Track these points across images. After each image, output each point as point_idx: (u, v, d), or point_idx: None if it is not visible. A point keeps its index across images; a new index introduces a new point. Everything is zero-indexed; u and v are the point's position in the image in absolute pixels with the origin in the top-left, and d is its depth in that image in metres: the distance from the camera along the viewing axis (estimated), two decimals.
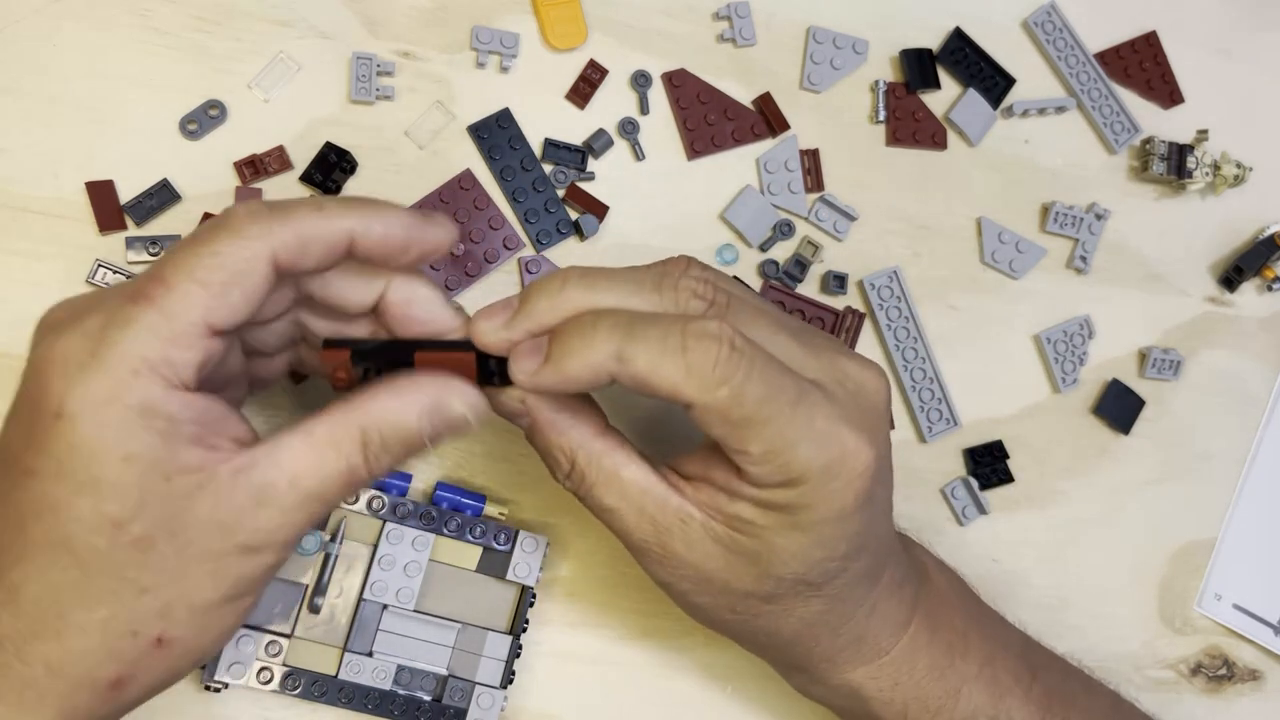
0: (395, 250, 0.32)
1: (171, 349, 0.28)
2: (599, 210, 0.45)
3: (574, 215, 0.45)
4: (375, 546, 0.39)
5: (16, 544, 0.28)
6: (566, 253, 0.46)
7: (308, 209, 0.30)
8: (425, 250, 0.32)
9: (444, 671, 0.40)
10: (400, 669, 0.39)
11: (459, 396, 0.32)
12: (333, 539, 0.39)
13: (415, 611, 0.40)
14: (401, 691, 0.39)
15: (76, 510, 0.28)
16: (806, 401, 0.31)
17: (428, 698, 0.40)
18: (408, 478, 0.41)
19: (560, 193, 0.45)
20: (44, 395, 0.28)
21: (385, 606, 0.40)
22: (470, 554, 0.41)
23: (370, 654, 0.39)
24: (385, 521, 0.40)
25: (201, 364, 0.29)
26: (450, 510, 0.41)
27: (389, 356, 0.32)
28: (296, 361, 0.37)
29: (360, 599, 0.39)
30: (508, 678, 0.41)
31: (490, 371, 0.32)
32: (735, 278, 0.36)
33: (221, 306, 0.29)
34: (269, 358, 0.36)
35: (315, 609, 0.39)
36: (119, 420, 0.28)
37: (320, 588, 0.39)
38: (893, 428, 0.39)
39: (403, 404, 0.31)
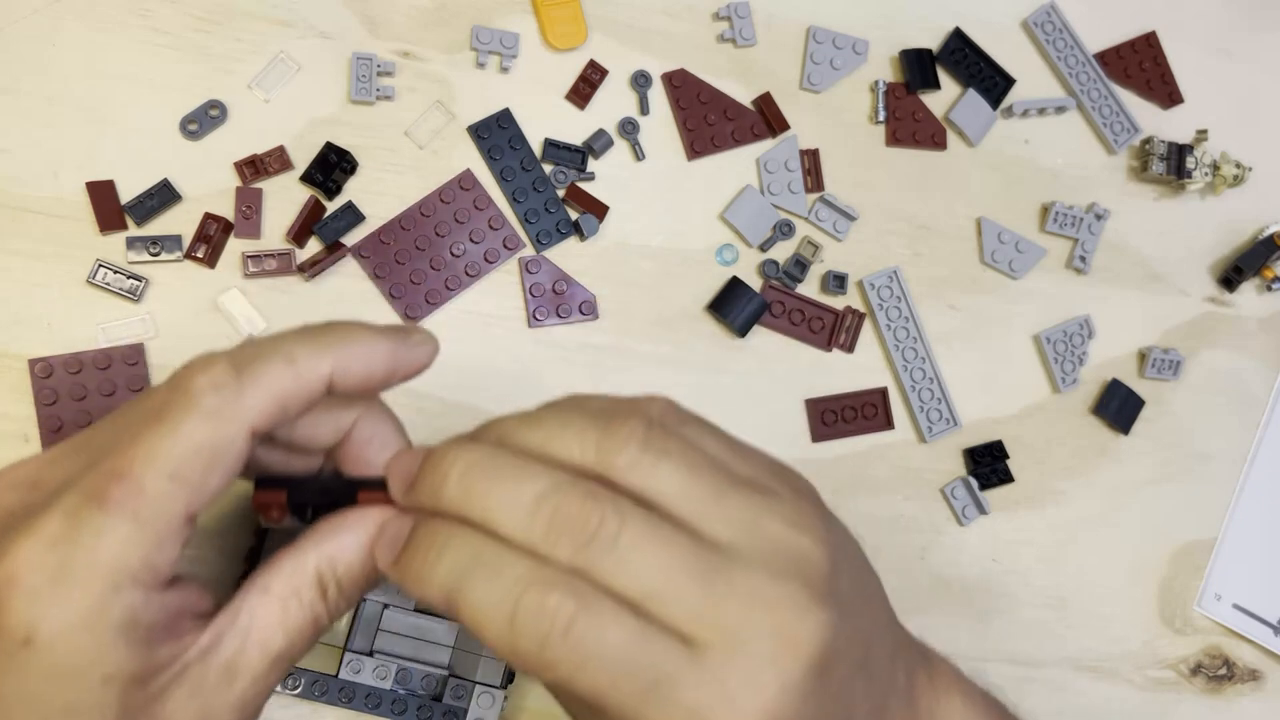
0: (378, 382, 0.30)
1: (154, 553, 0.26)
2: (599, 210, 0.45)
3: (574, 215, 0.45)
4: None
5: None
6: (567, 253, 0.46)
7: (279, 363, 0.27)
8: (409, 373, 0.30)
9: (444, 671, 0.40)
10: (401, 668, 0.39)
11: (409, 526, 0.29)
12: None
13: (416, 611, 0.40)
14: (402, 691, 0.39)
15: None
16: (659, 690, 0.25)
17: (428, 697, 0.40)
18: None
19: (560, 193, 0.45)
20: (6, 618, 0.25)
21: (386, 606, 0.40)
22: None
23: (371, 653, 0.39)
24: None
25: (178, 558, 0.27)
26: None
27: (330, 498, 0.30)
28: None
29: (361, 598, 0.39)
30: (508, 677, 0.41)
31: None
32: (690, 419, 0.30)
33: (200, 497, 0.27)
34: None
35: None
36: (98, 643, 0.25)
37: None
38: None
39: (354, 542, 0.29)
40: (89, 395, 0.40)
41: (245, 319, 0.42)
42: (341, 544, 0.29)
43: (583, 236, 0.45)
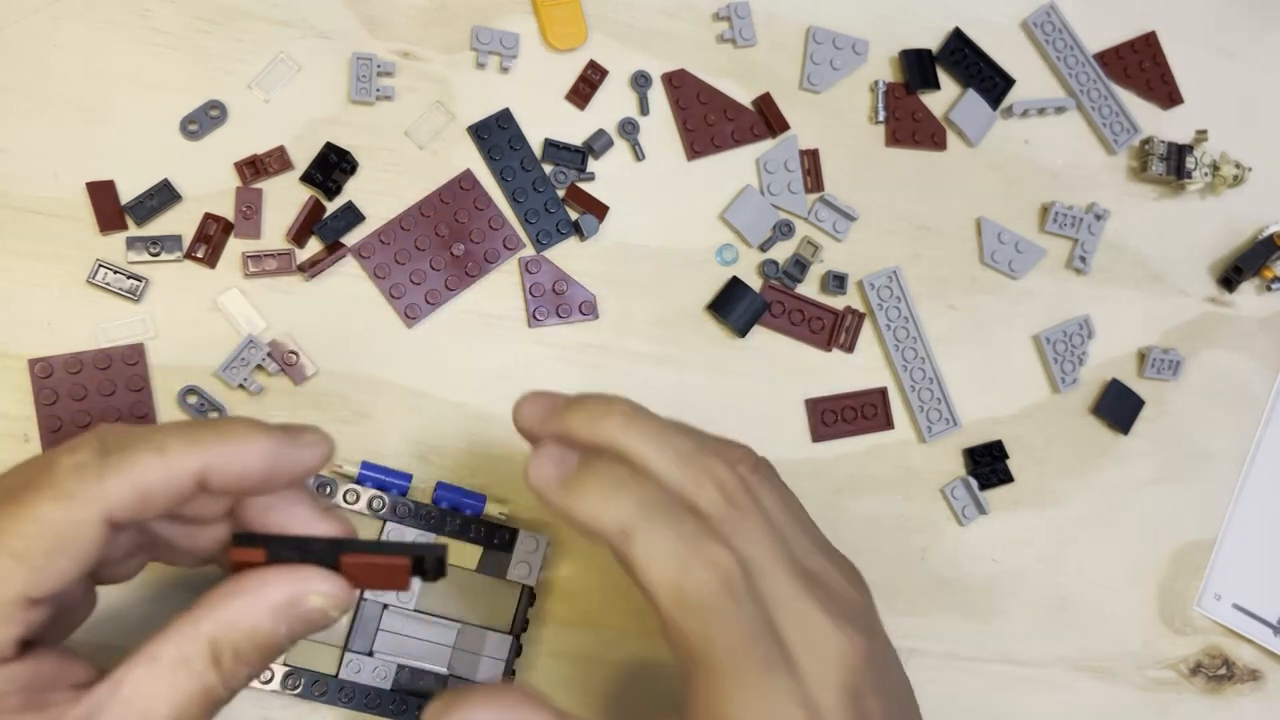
0: (257, 483, 0.28)
1: None
2: (599, 210, 0.45)
3: (574, 215, 0.45)
4: None
5: None
6: (567, 254, 0.46)
7: (147, 453, 0.27)
8: (294, 476, 0.29)
9: (445, 671, 0.40)
10: (400, 668, 0.39)
11: (316, 587, 0.28)
12: None
13: (415, 611, 0.40)
14: (402, 691, 0.39)
15: None
16: (770, 672, 0.29)
17: (428, 697, 0.40)
18: (407, 478, 0.41)
19: (560, 193, 0.46)
20: None
21: (385, 606, 0.40)
22: (471, 554, 0.41)
23: (370, 653, 0.39)
24: (385, 521, 0.40)
25: (22, 636, 0.26)
26: (450, 510, 0.41)
27: (311, 558, 0.29)
28: (161, 558, 0.33)
29: (360, 599, 0.39)
30: (508, 677, 0.41)
31: (424, 570, 0.29)
32: (780, 488, 0.34)
33: (44, 579, 0.26)
34: (116, 565, 0.31)
35: None
36: None
37: None
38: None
39: (253, 605, 0.28)
40: (89, 395, 0.40)
41: (245, 319, 0.42)
42: (243, 608, 0.28)
43: (583, 236, 0.45)
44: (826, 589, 0.32)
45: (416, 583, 0.39)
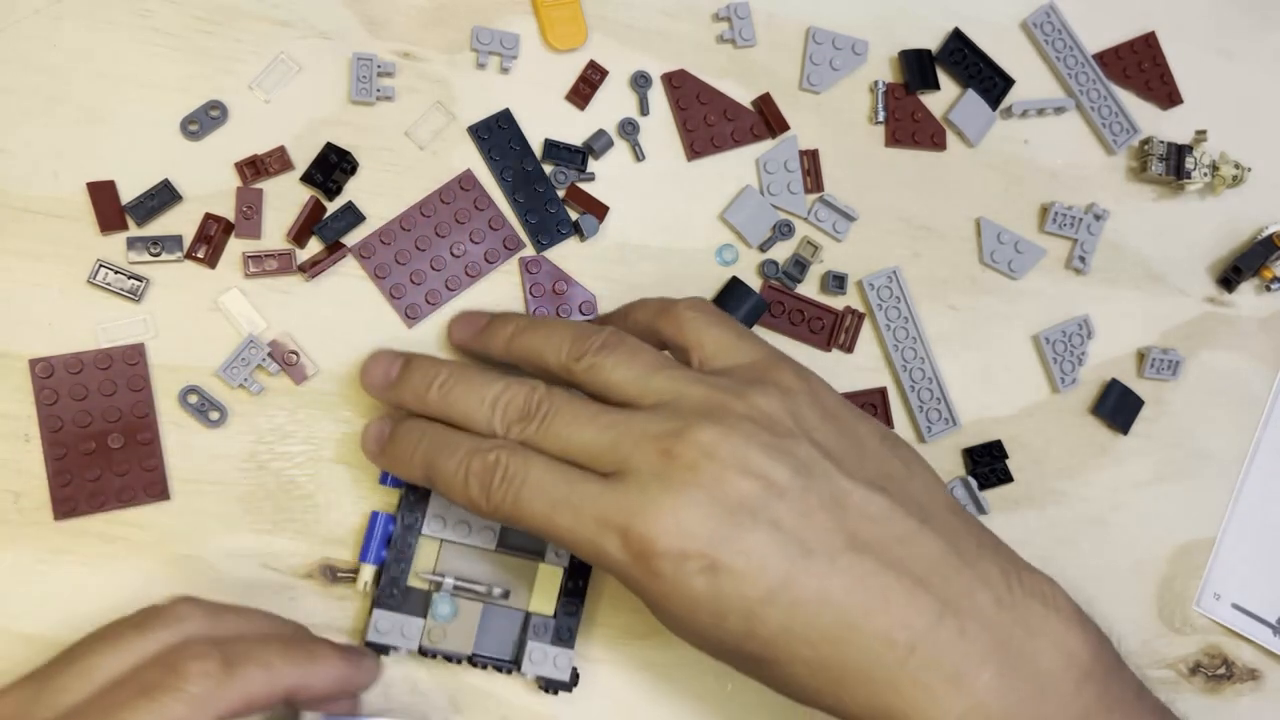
0: (324, 698, 0.36)
1: None
2: (599, 210, 0.45)
3: (574, 215, 0.45)
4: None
5: None
6: (567, 254, 0.46)
7: (259, 672, 0.32)
8: (352, 693, 0.38)
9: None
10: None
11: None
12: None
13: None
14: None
15: None
16: (571, 505, 0.33)
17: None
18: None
19: (560, 193, 0.46)
20: None
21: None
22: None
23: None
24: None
25: None
26: None
27: None
28: None
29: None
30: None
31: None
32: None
33: None
34: None
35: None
36: None
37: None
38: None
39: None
40: (90, 395, 0.40)
41: (245, 319, 0.42)
42: None
43: (583, 237, 0.45)
44: (676, 396, 0.35)
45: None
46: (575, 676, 0.42)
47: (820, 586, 0.32)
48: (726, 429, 0.33)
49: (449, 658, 0.40)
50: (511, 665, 0.41)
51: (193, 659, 0.31)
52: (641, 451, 0.33)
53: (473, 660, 0.41)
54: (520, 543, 0.42)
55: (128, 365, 0.40)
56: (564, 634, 0.41)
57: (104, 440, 0.40)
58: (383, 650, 0.40)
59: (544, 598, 0.42)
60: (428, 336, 0.44)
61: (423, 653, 0.40)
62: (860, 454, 0.35)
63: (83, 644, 0.34)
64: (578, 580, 0.42)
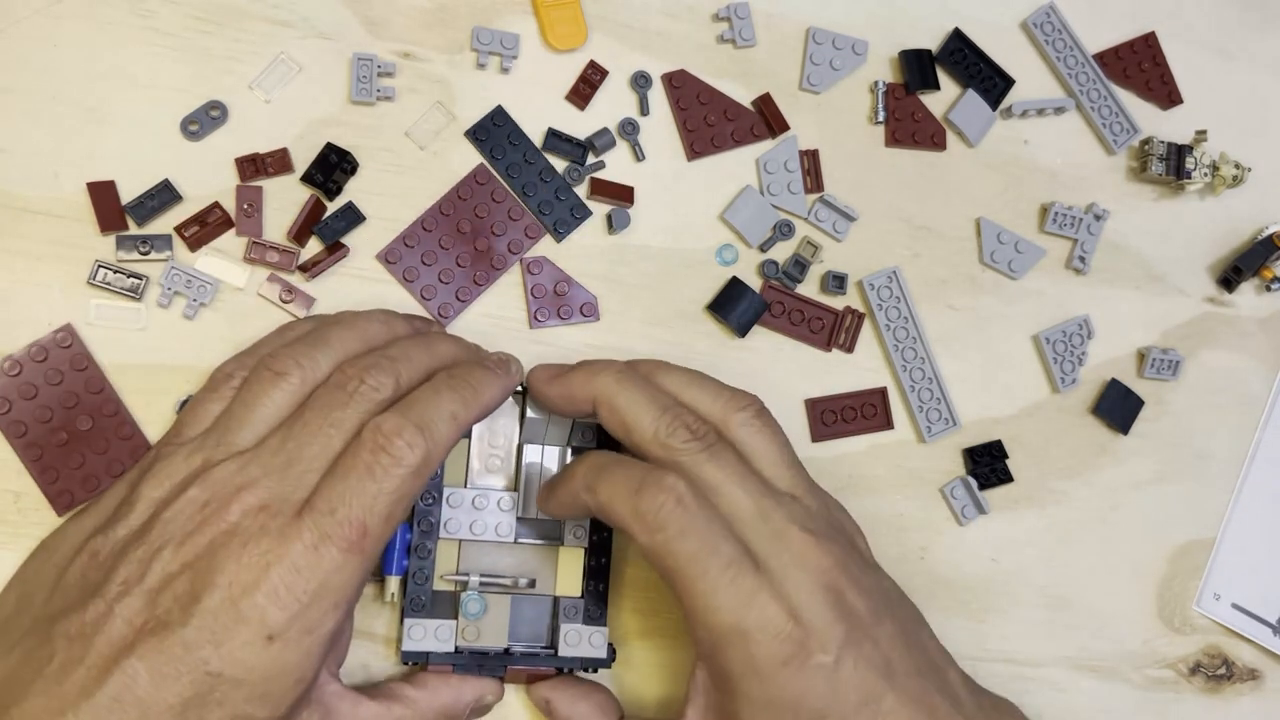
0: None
1: (362, 580, 0.34)
2: (626, 195, 0.46)
3: (605, 209, 0.46)
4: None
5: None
6: (567, 254, 0.46)
7: (451, 427, 0.36)
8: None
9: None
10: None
11: (493, 694, 0.40)
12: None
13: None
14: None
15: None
16: (735, 567, 0.34)
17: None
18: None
19: (582, 190, 0.46)
20: (259, 614, 0.32)
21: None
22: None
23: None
24: None
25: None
26: None
27: (486, 671, 0.41)
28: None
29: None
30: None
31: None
32: (764, 429, 0.39)
33: (393, 532, 0.35)
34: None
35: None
36: (309, 650, 0.33)
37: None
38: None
39: (458, 695, 0.39)
40: (40, 390, 0.40)
41: (226, 275, 0.42)
42: (445, 695, 0.39)
43: (612, 229, 0.45)
44: (797, 503, 0.37)
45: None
46: (612, 652, 0.42)
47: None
48: (844, 551, 0.37)
49: (485, 656, 0.40)
50: (549, 651, 0.41)
51: (394, 435, 0.33)
52: (784, 541, 0.36)
53: (509, 653, 0.41)
54: (538, 531, 0.42)
55: (63, 349, 0.40)
56: (594, 613, 0.42)
57: (72, 426, 0.40)
58: (421, 659, 0.40)
59: (569, 579, 0.42)
60: (459, 334, 0.44)
61: (458, 653, 0.40)
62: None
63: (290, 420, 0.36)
64: (599, 558, 0.42)
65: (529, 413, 0.42)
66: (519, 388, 0.41)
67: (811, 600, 0.35)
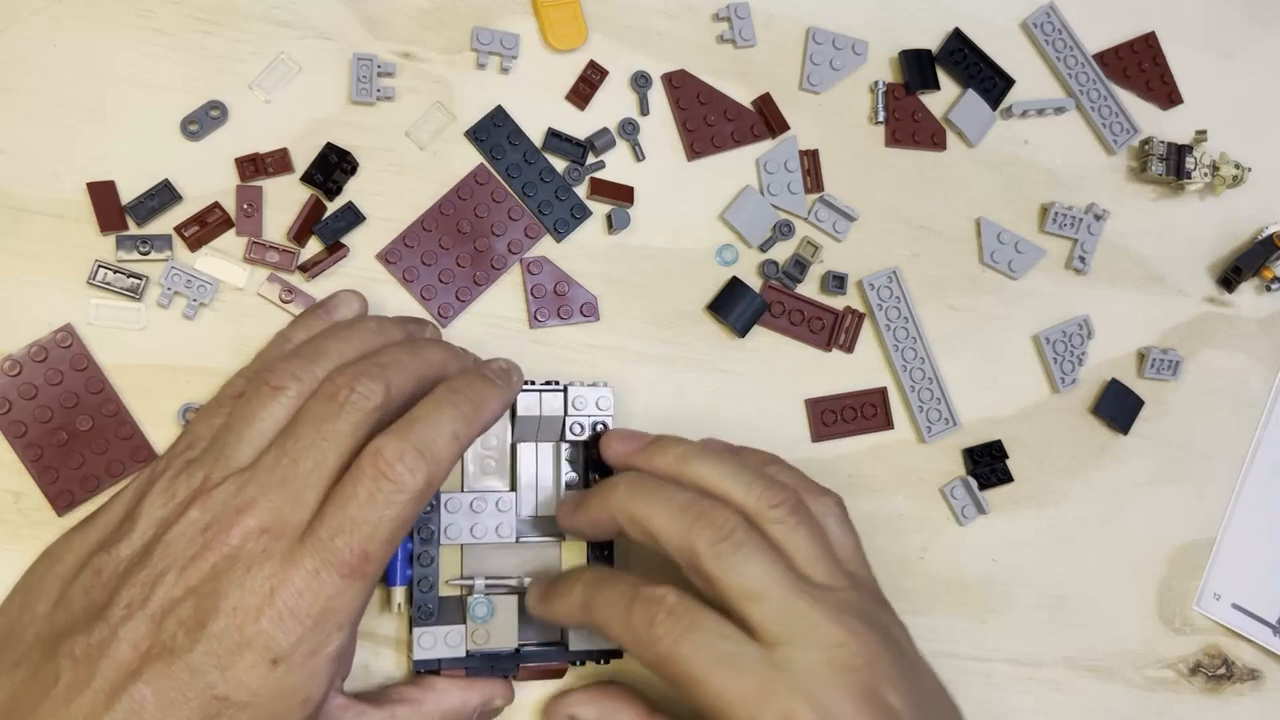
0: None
1: (364, 602, 0.34)
2: (626, 195, 0.46)
3: (605, 209, 0.46)
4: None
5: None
6: (567, 254, 0.46)
7: (452, 446, 0.35)
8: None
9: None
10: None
11: (502, 697, 0.40)
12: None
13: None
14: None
15: None
16: (742, 662, 0.33)
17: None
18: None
19: (582, 190, 0.46)
20: (264, 640, 0.32)
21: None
22: None
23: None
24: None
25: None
26: None
27: (498, 670, 0.41)
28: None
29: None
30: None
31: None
32: (810, 523, 0.37)
33: (392, 553, 0.35)
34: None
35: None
36: (315, 672, 0.33)
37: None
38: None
39: (466, 697, 0.39)
40: (39, 390, 0.40)
41: (226, 275, 0.42)
42: (454, 697, 0.39)
43: (612, 228, 0.45)
44: (833, 594, 0.36)
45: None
46: None
47: None
48: (881, 644, 0.35)
49: (496, 659, 0.40)
50: (560, 648, 0.41)
51: (395, 461, 0.33)
52: (813, 637, 0.34)
53: (519, 653, 0.41)
54: (539, 529, 0.42)
55: (63, 349, 0.40)
56: None
57: (72, 426, 0.40)
58: (433, 667, 0.40)
59: None
60: (458, 336, 0.44)
61: (470, 657, 0.40)
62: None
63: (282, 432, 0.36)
64: (602, 550, 0.42)
65: (520, 411, 0.41)
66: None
67: (840, 699, 0.33)
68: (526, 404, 0.41)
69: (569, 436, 0.42)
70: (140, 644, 0.31)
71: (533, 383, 0.41)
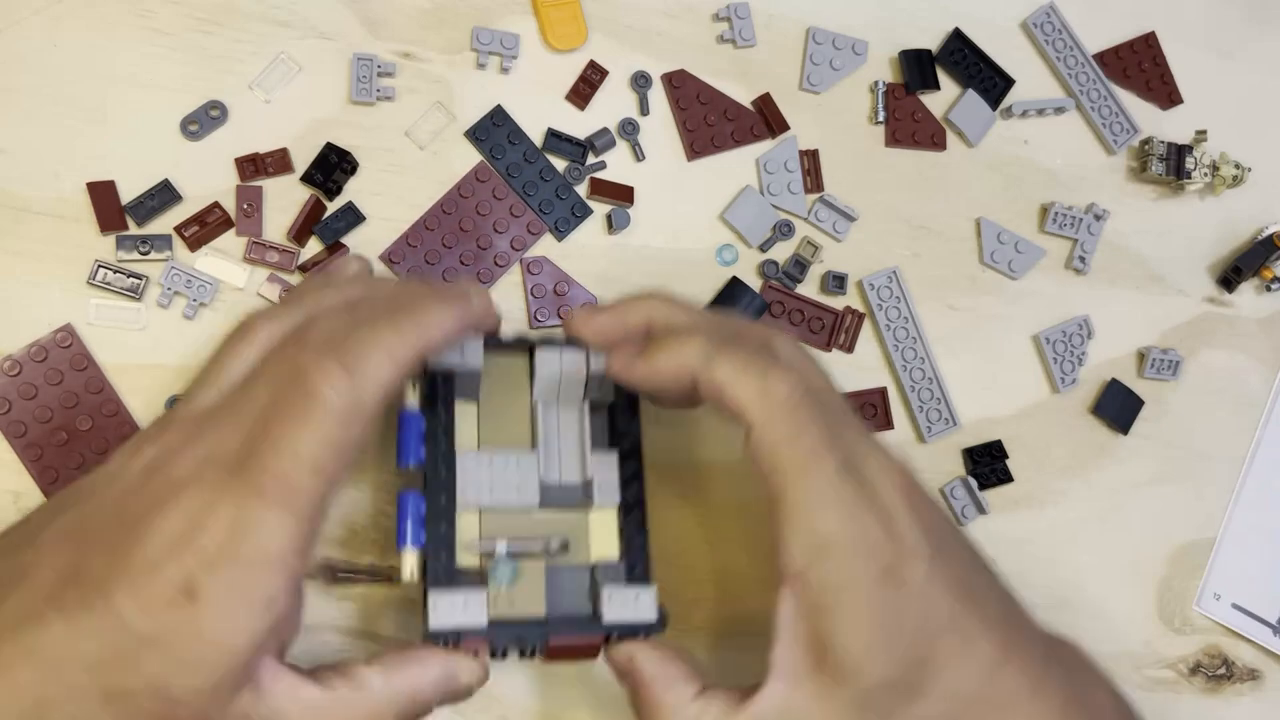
0: (456, 342, 0.37)
1: (301, 538, 0.30)
2: (625, 195, 0.46)
3: (605, 209, 0.46)
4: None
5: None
6: (567, 254, 0.46)
7: (385, 363, 0.32)
8: (481, 328, 0.37)
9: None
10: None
11: (467, 670, 0.35)
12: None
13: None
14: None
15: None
16: (844, 473, 0.33)
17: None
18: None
19: (582, 190, 0.46)
20: (173, 570, 0.29)
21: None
22: None
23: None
24: None
25: (319, 536, 0.32)
26: None
27: (525, 643, 0.36)
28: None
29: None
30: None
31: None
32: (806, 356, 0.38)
33: (334, 484, 0.31)
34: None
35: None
36: (241, 614, 0.30)
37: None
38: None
39: (421, 673, 0.34)
40: (40, 390, 0.40)
41: (226, 275, 0.42)
42: (410, 673, 0.34)
43: (612, 228, 0.46)
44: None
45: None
46: (664, 616, 0.36)
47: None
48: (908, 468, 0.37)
49: (523, 630, 0.35)
50: (593, 622, 0.36)
51: (316, 375, 0.31)
52: (870, 453, 0.35)
53: (546, 622, 0.36)
54: (563, 493, 0.38)
55: (63, 349, 0.40)
56: (638, 572, 0.37)
57: (72, 426, 0.40)
58: (452, 638, 0.34)
59: (605, 543, 0.38)
60: None
61: (493, 626, 0.34)
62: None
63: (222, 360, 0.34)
64: (635, 514, 0.38)
65: (539, 369, 0.38)
66: (528, 344, 0.38)
67: (899, 512, 0.34)
68: (546, 362, 0.38)
69: (593, 394, 0.39)
70: (62, 569, 0.30)
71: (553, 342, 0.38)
